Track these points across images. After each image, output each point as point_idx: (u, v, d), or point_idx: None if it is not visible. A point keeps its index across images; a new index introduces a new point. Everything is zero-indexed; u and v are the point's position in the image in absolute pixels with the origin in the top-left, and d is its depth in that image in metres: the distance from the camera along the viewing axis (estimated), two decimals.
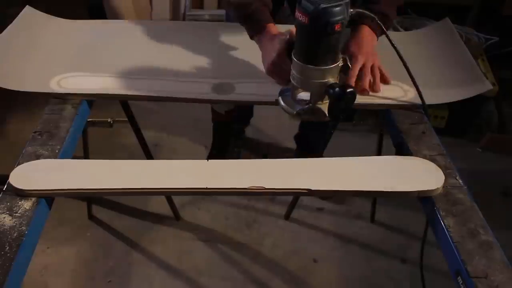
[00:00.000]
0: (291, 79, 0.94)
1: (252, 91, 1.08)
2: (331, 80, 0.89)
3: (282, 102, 0.98)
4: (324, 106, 0.92)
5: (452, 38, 1.27)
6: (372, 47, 1.07)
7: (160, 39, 1.25)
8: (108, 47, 1.21)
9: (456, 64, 1.18)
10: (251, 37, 1.10)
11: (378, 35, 1.08)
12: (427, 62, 1.18)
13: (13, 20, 1.22)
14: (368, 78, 1.03)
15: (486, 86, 1.08)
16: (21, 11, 1.26)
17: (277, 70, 1.03)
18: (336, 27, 0.82)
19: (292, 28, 0.95)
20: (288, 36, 0.98)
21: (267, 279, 1.57)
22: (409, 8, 2.35)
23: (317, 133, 1.85)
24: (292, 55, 0.91)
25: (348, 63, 0.92)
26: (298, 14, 0.84)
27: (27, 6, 1.28)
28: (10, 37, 1.16)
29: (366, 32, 1.07)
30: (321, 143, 1.85)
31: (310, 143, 1.91)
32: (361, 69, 1.03)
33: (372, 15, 0.92)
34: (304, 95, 0.96)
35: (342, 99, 0.86)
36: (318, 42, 0.85)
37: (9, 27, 1.19)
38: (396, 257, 1.66)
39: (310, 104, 0.93)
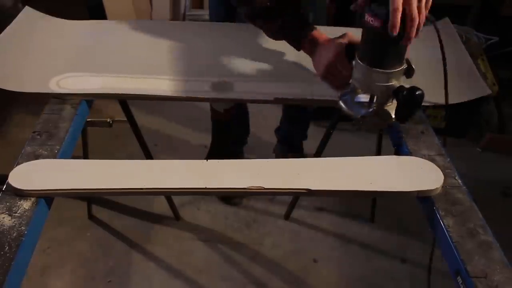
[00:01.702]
0: (353, 82, 0.93)
1: (251, 90, 1.08)
2: (395, 83, 0.88)
3: (344, 106, 0.97)
4: (389, 108, 0.91)
5: (451, 38, 1.27)
6: None
7: (160, 39, 1.25)
8: (107, 47, 1.21)
9: (455, 65, 1.17)
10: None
11: None
12: (426, 63, 1.18)
13: (13, 20, 1.22)
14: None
15: (485, 90, 1.08)
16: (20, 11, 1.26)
17: (335, 73, 1.02)
18: None
19: (348, 31, 0.95)
20: (345, 40, 0.98)
21: (267, 279, 1.57)
22: None
23: (297, 126, 1.91)
24: (356, 58, 0.90)
25: (412, 66, 0.90)
26: (368, 18, 0.83)
27: (26, 6, 1.27)
28: (9, 38, 1.16)
29: None
30: (300, 134, 1.93)
31: (290, 136, 1.95)
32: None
33: (433, 18, 0.89)
34: (363, 98, 0.95)
35: (411, 101, 0.85)
36: (389, 46, 0.84)
37: (8, 27, 1.19)
38: (396, 257, 1.67)
39: (374, 108, 0.92)
